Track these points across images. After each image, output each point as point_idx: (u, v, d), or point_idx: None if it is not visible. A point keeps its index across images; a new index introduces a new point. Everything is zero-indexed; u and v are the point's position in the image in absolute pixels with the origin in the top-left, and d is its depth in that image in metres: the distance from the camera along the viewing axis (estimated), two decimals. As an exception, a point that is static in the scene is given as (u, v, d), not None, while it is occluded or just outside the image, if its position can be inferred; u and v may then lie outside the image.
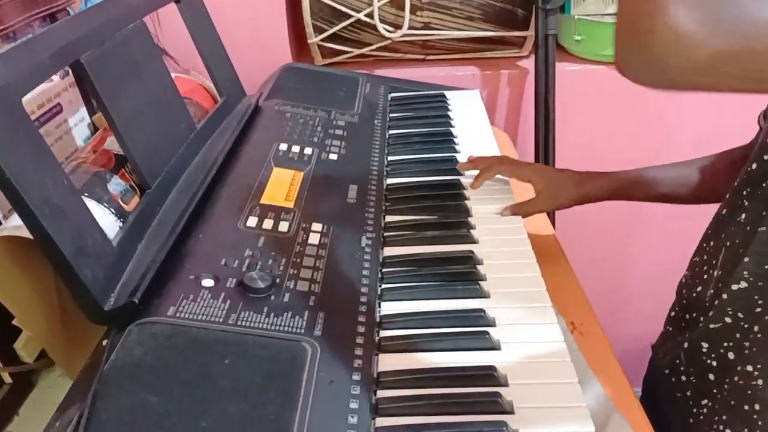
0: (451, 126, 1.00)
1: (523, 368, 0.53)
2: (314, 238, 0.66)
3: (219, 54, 0.95)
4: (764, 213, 0.56)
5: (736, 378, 0.60)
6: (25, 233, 0.53)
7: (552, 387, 0.51)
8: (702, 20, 0.33)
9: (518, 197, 0.80)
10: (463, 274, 0.65)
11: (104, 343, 0.53)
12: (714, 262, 0.63)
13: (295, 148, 0.84)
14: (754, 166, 0.57)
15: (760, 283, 0.57)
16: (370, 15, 1.17)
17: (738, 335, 0.60)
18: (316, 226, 0.68)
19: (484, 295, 0.62)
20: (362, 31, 1.19)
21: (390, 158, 0.91)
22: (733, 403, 0.61)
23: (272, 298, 0.57)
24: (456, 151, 0.92)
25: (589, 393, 0.60)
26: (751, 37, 0.34)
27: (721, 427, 0.63)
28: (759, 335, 0.58)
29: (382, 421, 0.49)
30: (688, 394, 0.67)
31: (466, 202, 0.79)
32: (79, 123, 0.89)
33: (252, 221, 0.67)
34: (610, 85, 1.22)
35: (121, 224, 0.63)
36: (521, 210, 0.76)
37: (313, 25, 1.18)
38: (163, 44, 1.21)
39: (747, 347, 0.59)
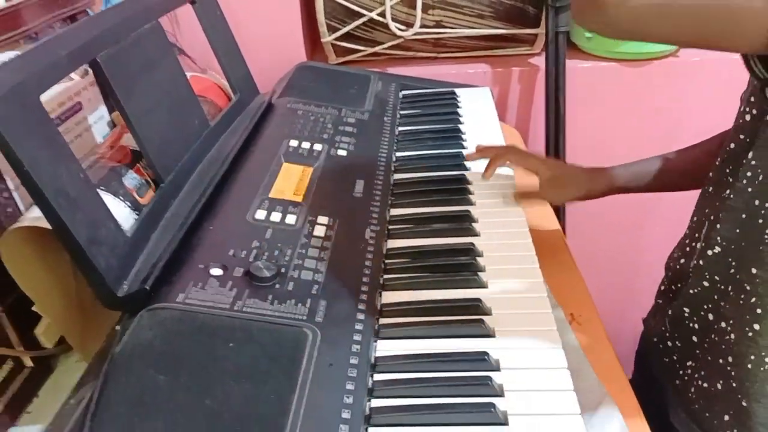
0: (460, 123, 1.02)
1: (515, 354, 0.55)
2: (320, 231, 0.69)
3: (233, 53, 0.98)
4: (730, 179, 0.60)
5: (713, 336, 0.64)
6: (44, 223, 0.56)
7: (542, 372, 0.53)
8: None
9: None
10: (462, 266, 0.67)
11: (117, 328, 0.56)
12: (697, 235, 0.66)
13: (305, 145, 0.87)
14: (732, 145, 0.60)
15: (732, 247, 0.60)
16: (382, 14, 1.19)
17: (716, 297, 0.63)
18: (322, 219, 0.71)
19: (482, 286, 0.64)
20: (375, 30, 1.22)
21: (398, 154, 0.93)
22: (710, 359, 0.65)
23: (277, 286, 0.59)
24: (463, 147, 0.94)
25: (582, 379, 0.62)
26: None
27: (701, 382, 0.66)
28: (732, 294, 0.61)
29: (376, 402, 0.51)
30: (675, 358, 0.71)
31: (470, 196, 0.81)
32: (98, 120, 0.92)
33: (260, 214, 0.70)
34: (620, 82, 1.23)
35: (135, 216, 0.66)
36: (524, 199, 0.78)
37: (327, 24, 1.21)
38: (180, 44, 1.25)
39: (722, 306, 0.62)
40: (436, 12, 1.20)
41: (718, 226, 0.61)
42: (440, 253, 0.69)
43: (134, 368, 0.49)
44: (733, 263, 0.61)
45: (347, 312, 0.58)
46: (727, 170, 0.61)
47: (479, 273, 0.65)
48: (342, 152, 0.87)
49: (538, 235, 0.80)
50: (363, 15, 1.19)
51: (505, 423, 0.49)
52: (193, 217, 0.66)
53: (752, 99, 0.58)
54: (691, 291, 0.66)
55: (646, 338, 0.79)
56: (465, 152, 0.91)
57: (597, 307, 0.74)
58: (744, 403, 0.62)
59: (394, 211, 0.78)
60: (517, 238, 0.72)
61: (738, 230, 0.59)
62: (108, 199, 0.65)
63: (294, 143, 0.87)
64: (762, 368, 0.60)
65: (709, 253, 0.63)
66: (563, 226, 1.29)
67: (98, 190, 0.64)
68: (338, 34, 1.22)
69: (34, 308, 0.65)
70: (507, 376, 0.53)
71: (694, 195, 0.73)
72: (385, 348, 0.57)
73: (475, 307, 0.60)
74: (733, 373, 0.62)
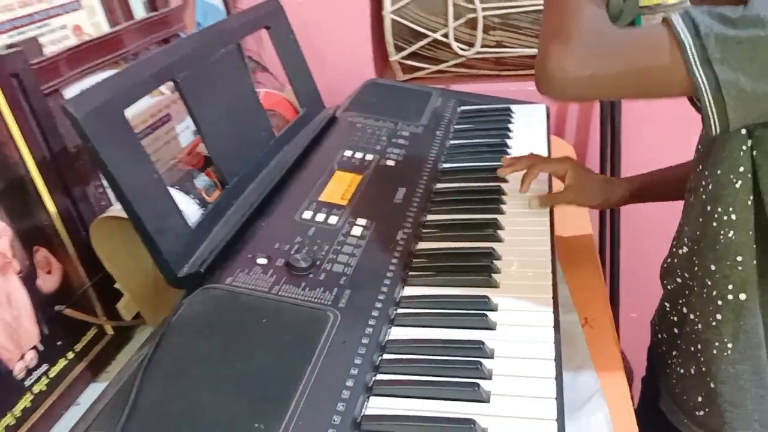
0: (509, 138, 1.09)
1: (510, 346, 0.62)
2: (356, 231, 0.78)
3: (303, 72, 1.10)
4: (693, 186, 0.68)
5: (686, 327, 0.71)
6: (125, 214, 0.68)
7: (531, 363, 0.60)
8: (578, 59, 0.56)
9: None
10: (480, 268, 0.74)
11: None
12: (678, 237, 0.74)
13: (359, 155, 0.96)
14: (695, 155, 0.70)
15: (695, 247, 0.68)
16: (445, 35, 1.27)
17: (686, 292, 0.71)
18: (361, 221, 0.80)
19: (494, 285, 0.71)
20: (438, 49, 1.30)
21: (444, 165, 1.01)
22: (684, 347, 0.72)
23: (310, 276, 0.69)
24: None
25: (581, 376, 0.68)
26: (609, 64, 0.56)
27: (679, 369, 0.74)
28: (695, 289, 0.69)
29: (380, 377, 0.59)
30: (663, 348, 0.79)
31: (502, 206, 0.87)
32: (185, 130, 1.06)
33: (307, 214, 0.80)
34: (677, 101, 1.24)
35: (202, 212, 0.78)
36: (548, 201, 0.86)
37: (394, 44, 1.31)
38: (264, 62, 1.38)
39: (691, 300, 0.70)
40: (497, 33, 1.27)
41: (685, 228, 0.70)
42: (460, 255, 0.76)
43: (183, 333, 0.60)
44: (696, 261, 0.68)
45: (367, 300, 0.67)
46: (692, 178, 0.69)
47: (494, 275, 0.72)
48: (390, 162, 0.96)
49: (570, 241, 0.86)
50: (427, 36, 1.28)
51: (486, 401, 0.56)
52: (249, 214, 0.77)
53: None
54: (669, 287, 0.75)
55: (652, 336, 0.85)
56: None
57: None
58: (712, 385, 0.69)
59: (430, 217, 0.86)
60: (538, 245, 0.78)
61: (698, 232, 0.67)
62: (180, 196, 0.77)
63: (348, 153, 0.97)
64: (725, 353, 0.67)
65: (680, 252, 0.71)
66: (617, 232, 1.32)
67: (173, 188, 0.77)
68: (404, 53, 1.31)
69: (116, 285, 0.78)
70: (498, 364, 0.60)
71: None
72: (397, 333, 0.65)
73: (483, 303, 0.67)
74: (702, 359, 0.69)
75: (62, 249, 0.74)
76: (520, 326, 0.65)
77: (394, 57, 1.32)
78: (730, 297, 0.65)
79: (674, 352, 0.75)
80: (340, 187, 0.88)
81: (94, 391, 0.74)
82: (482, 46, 1.27)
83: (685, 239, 0.69)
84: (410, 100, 1.21)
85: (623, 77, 0.57)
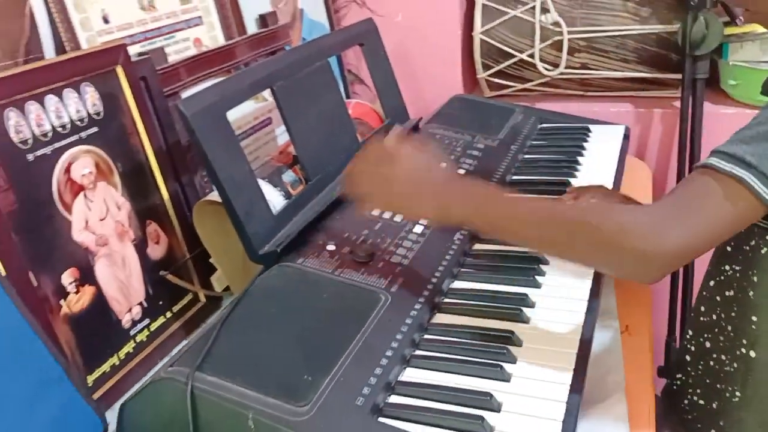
0: (581, 155, 1.14)
1: (539, 336, 0.69)
2: (418, 229, 0.87)
3: (390, 85, 1.20)
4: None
5: (707, 361, 0.77)
6: (220, 199, 0.81)
7: (553, 354, 0.66)
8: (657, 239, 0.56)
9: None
10: (527, 269, 0.81)
11: (257, 277, 0.79)
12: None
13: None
14: None
15: (725, 294, 0.72)
16: (531, 55, 1.34)
17: (716, 330, 0.75)
18: (423, 221, 0.89)
19: (535, 285, 0.78)
20: (524, 69, 1.37)
21: (512, 178, 1.08)
22: (701, 378, 0.78)
23: (370, 263, 0.79)
24: (574, 177, 1.06)
25: (610, 375, 0.73)
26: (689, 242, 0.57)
27: (694, 398, 0.79)
28: (722, 332, 0.73)
29: (418, 352, 0.68)
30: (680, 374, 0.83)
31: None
32: (282, 133, 1.19)
33: (376, 212, 0.90)
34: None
35: (285, 202, 0.90)
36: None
37: (482, 63, 1.39)
38: (361, 76, 1.51)
39: (717, 339, 0.75)
40: (582, 55, 1.32)
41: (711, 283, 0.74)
42: (511, 257, 0.83)
43: (257, 299, 0.72)
44: (725, 308, 0.73)
45: (417, 288, 0.76)
46: None
47: (537, 276, 0.79)
48: (461, 171, 1.05)
49: None
50: (514, 56, 1.35)
51: (507, 381, 0.63)
52: (325, 208, 0.88)
53: None
54: (701, 318, 0.78)
55: None
56: (573, 181, 1.04)
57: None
58: (721, 423, 0.74)
59: (490, 222, 0.94)
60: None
61: (724, 280, 0.73)
62: (268, 187, 0.89)
63: (424, 161, 1.06)
64: (734, 399, 0.72)
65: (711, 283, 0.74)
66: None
67: (263, 180, 0.89)
68: (492, 71, 1.39)
69: (211, 260, 0.91)
70: (525, 353, 0.67)
71: None
72: (441, 318, 0.74)
73: (522, 299, 0.74)
74: (715, 396, 0.74)
75: (169, 225, 0.88)
76: (551, 322, 0.71)
77: (482, 74, 1.40)
78: (743, 350, 0.70)
79: (690, 380, 0.79)
80: (411, 190, 0.97)
81: (185, 348, 0.87)
82: (567, 67, 1.33)
83: (703, 292, 0.74)
84: (492, 115, 1.29)
85: (708, 235, 0.57)
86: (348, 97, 1.47)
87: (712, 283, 0.76)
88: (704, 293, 0.78)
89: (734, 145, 0.57)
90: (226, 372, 0.61)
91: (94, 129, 0.78)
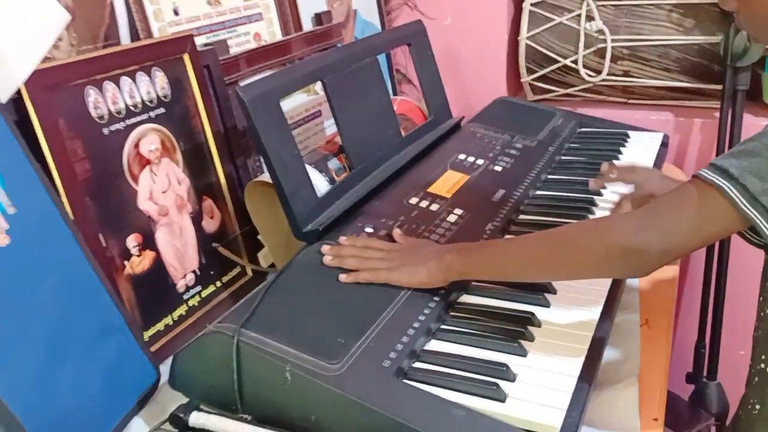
0: (617, 159, 1.17)
1: (558, 319, 0.74)
2: (452, 218, 0.92)
3: (436, 84, 1.26)
4: None
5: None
6: (269, 180, 0.88)
7: (569, 336, 0.71)
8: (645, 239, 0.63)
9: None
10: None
11: (300, 253, 0.86)
12: None
13: (471, 158, 1.11)
14: None
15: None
16: (575, 61, 1.38)
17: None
18: (458, 211, 0.94)
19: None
20: (568, 74, 1.41)
21: (548, 177, 1.12)
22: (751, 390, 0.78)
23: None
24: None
25: (625, 364, 0.77)
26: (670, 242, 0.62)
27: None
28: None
29: (444, 327, 0.74)
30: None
31: (590, 215, 0.98)
32: (331, 125, 1.26)
33: (414, 200, 0.96)
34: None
35: (329, 187, 0.96)
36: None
37: (526, 67, 1.43)
38: (410, 75, 1.57)
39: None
40: (625, 63, 1.36)
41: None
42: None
43: (299, 270, 0.79)
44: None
45: (447, 270, 0.81)
46: None
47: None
48: (498, 168, 1.10)
49: None
50: (558, 61, 1.39)
51: (524, 355, 0.68)
52: (366, 194, 0.94)
53: None
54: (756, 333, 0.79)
55: None
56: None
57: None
58: None
59: (521, 217, 0.98)
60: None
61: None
62: (314, 173, 0.96)
63: (462, 156, 1.11)
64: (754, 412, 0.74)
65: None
66: (725, 263, 1.33)
67: (310, 166, 0.96)
68: (535, 75, 1.44)
69: (259, 237, 0.99)
70: (542, 333, 0.72)
71: None
72: (467, 299, 0.79)
73: (544, 286, 0.79)
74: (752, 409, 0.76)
75: (223, 202, 0.96)
76: (571, 308, 0.76)
77: (526, 78, 1.45)
78: (761, 366, 0.73)
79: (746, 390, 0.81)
80: (448, 183, 1.03)
81: (231, 317, 0.94)
82: (609, 74, 1.36)
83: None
84: (533, 118, 1.33)
85: (687, 243, 0.63)
86: (395, 94, 1.54)
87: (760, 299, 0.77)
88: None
89: (724, 158, 0.61)
90: (268, 330, 0.68)
91: (162, 110, 0.86)
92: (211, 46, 0.97)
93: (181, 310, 0.87)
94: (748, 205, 0.58)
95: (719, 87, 1.30)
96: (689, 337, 1.43)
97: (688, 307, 1.47)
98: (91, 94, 0.77)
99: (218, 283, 0.93)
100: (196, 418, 0.64)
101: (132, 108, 0.82)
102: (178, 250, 0.87)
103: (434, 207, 0.95)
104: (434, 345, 0.71)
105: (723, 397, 1.36)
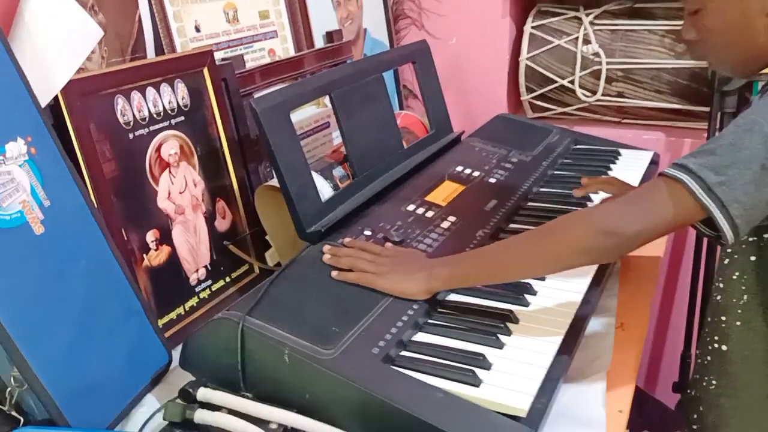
0: (606, 174, 1.24)
1: (535, 317, 0.81)
2: (445, 224, 1.00)
3: (438, 100, 1.33)
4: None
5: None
6: (278, 184, 0.96)
7: (544, 332, 0.78)
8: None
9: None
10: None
11: (303, 252, 0.93)
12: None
13: (468, 170, 1.18)
14: None
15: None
16: (572, 82, 1.45)
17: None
18: (451, 218, 1.02)
19: (541, 278, 0.89)
20: (564, 94, 1.48)
21: (541, 189, 1.19)
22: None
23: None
24: (594, 192, 1.17)
25: (597, 362, 0.84)
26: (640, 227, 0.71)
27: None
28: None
29: (431, 321, 0.81)
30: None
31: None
32: (338, 136, 1.34)
33: (411, 207, 1.03)
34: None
35: (333, 192, 1.04)
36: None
37: (526, 86, 1.51)
38: (416, 91, 1.65)
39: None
40: (619, 84, 1.43)
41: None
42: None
43: (302, 266, 0.86)
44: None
45: (437, 271, 0.89)
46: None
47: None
48: (492, 180, 1.17)
49: (638, 260, 1.02)
50: (556, 81, 1.47)
51: (500, 348, 0.75)
52: (366, 200, 1.02)
53: None
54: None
55: None
56: (593, 196, 1.14)
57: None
58: (701, 408, 0.86)
59: (511, 225, 1.06)
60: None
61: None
62: (320, 179, 1.04)
63: (460, 168, 1.19)
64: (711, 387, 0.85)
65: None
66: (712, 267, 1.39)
67: (316, 173, 1.04)
68: (534, 94, 1.51)
69: (266, 238, 1.06)
70: (518, 328, 0.79)
71: None
72: (454, 297, 0.86)
73: (525, 287, 0.86)
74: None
75: (234, 204, 1.04)
76: (548, 308, 0.83)
77: (525, 97, 1.53)
78: (716, 345, 0.81)
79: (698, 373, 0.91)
80: (445, 192, 1.10)
81: (239, 310, 1.02)
82: (603, 95, 1.44)
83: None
84: (530, 134, 1.40)
85: (652, 229, 0.71)
86: (401, 108, 1.62)
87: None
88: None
89: (685, 157, 0.70)
90: (271, 318, 0.75)
91: (182, 118, 0.95)
92: (228, 61, 1.06)
93: (193, 302, 0.95)
94: (704, 194, 0.67)
95: (708, 109, 1.37)
96: (677, 348, 1.49)
97: (676, 319, 1.53)
98: (119, 102, 0.86)
99: (227, 279, 1.01)
100: (203, 393, 0.71)
101: (155, 115, 0.90)
102: (192, 246, 0.95)
103: (429, 214, 1.02)
104: (421, 337, 0.79)
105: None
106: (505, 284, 0.87)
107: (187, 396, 0.72)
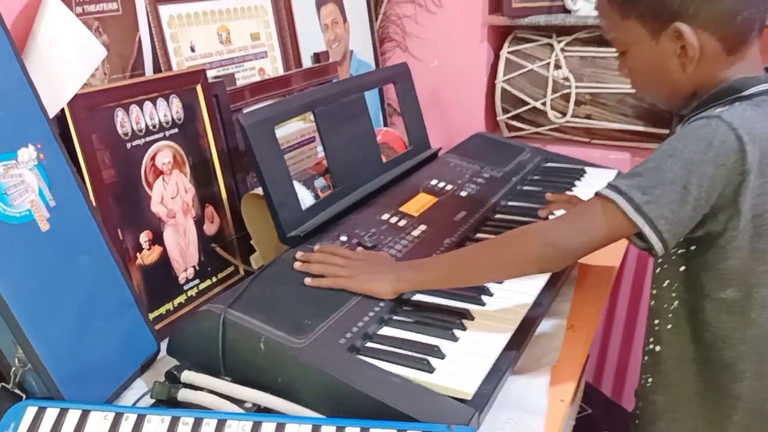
0: (570, 191, 1.34)
1: (490, 314, 0.89)
2: (416, 233, 1.09)
3: (417, 118, 1.43)
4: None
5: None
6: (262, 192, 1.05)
7: (496, 328, 0.87)
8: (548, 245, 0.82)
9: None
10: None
11: (283, 254, 1.02)
12: None
13: (441, 184, 1.28)
14: None
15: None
16: (544, 104, 1.55)
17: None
18: (422, 227, 1.11)
19: (499, 282, 0.98)
20: (537, 115, 1.58)
21: (509, 203, 1.28)
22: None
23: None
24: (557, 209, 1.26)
25: (545, 357, 0.93)
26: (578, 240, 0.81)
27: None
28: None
29: (395, 317, 0.89)
30: None
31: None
32: (322, 151, 1.44)
33: (385, 216, 1.12)
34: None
35: (314, 201, 1.13)
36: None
37: (502, 107, 1.61)
38: (399, 109, 1.74)
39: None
40: (587, 107, 1.53)
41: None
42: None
43: (281, 267, 0.95)
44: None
45: (404, 274, 0.97)
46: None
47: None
48: (464, 193, 1.26)
49: (594, 269, 1.12)
50: (529, 103, 1.57)
51: (455, 341, 0.84)
52: (344, 209, 1.11)
53: None
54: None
55: None
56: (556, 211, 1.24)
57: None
58: (640, 403, 0.96)
59: (478, 235, 1.15)
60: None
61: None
62: (302, 189, 1.13)
63: (434, 181, 1.28)
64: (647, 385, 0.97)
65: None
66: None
67: (299, 183, 1.13)
68: (509, 115, 1.61)
69: (251, 242, 1.15)
70: (473, 324, 0.88)
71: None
72: (418, 297, 0.95)
73: (482, 289, 0.95)
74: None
75: (222, 210, 1.13)
76: (502, 308, 0.92)
77: (501, 117, 1.62)
78: (651, 347, 0.90)
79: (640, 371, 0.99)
80: (418, 204, 1.20)
81: (224, 309, 1.11)
82: (573, 116, 1.53)
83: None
84: (503, 152, 1.50)
85: (590, 242, 0.80)
86: (386, 125, 1.71)
87: None
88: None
89: (617, 179, 0.79)
90: (250, 310, 0.84)
91: (176, 130, 1.04)
92: (220, 79, 1.15)
93: (181, 299, 1.04)
94: (634, 212, 0.76)
95: (668, 131, 1.46)
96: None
97: (640, 334, 1.62)
98: (119, 115, 0.95)
99: (214, 279, 1.10)
100: (186, 376, 0.80)
101: (151, 128, 1.00)
102: (182, 247, 1.04)
103: (402, 223, 1.11)
104: (385, 331, 0.87)
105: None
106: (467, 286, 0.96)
107: (172, 378, 0.80)
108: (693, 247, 0.85)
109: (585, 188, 1.36)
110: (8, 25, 0.80)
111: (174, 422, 0.70)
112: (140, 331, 0.91)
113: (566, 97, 1.53)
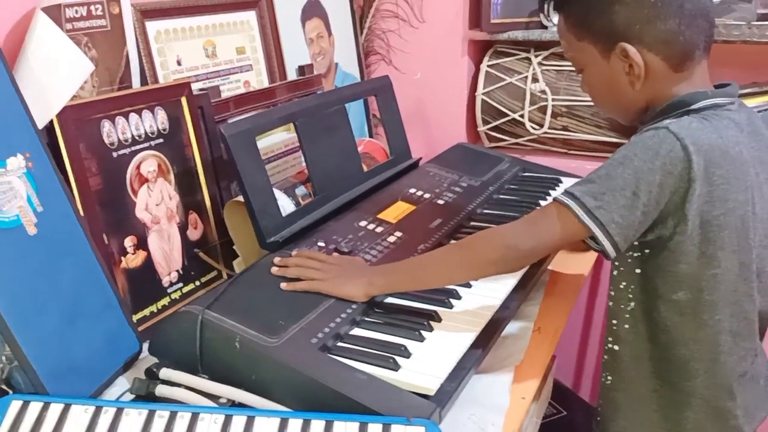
0: (544, 200, 1.39)
1: (457, 317, 0.94)
2: (392, 239, 1.13)
3: (398, 129, 1.48)
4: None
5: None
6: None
7: (462, 329, 0.91)
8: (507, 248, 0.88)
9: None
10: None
11: (263, 259, 1.07)
12: None
13: (420, 192, 1.32)
14: None
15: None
16: (522, 116, 1.60)
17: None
18: (397, 233, 1.15)
19: (467, 285, 1.03)
20: (516, 126, 1.63)
21: (485, 211, 1.33)
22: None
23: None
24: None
25: (510, 358, 0.97)
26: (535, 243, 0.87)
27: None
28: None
29: (367, 319, 0.94)
30: None
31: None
32: (307, 159, 1.48)
33: (363, 223, 1.17)
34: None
35: (295, 209, 1.18)
36: None
37: (482, 118, 1.66)
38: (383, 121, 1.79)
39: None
40: (564, 119, 1.58)
41: None
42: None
43: (260, 270, 0.99)
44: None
45: (377, 278, 1.02)
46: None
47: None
48: (441, 201, 1.31)
49: (564, 277, 1.16)
50: (508, 115, 1.62)
51: (421, 341, 0.88)
52: (323, 216, 1.16)
53: None
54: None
55: None
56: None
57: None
58: (601, 401, 1.00)
59: (452, 241, 1.19)
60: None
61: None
62: (283, 196, 1.18)
63: (413, 190, 1.33)
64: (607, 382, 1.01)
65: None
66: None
67: (280, 191, 1.18)
68: (489, 126, 1.66)
69: (234, 247, 1.20)
70: (439, 326, 0.92)
71: None
72: (389, 299, 0.99)
73: (450, 292, 1.00)
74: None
75: (206, 216, 1.17)
76: (467, 311, 0.96)
77: (481, 128, 1.67)
78: (609, 346, 0.95)
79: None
80: (396, 211, 1.24)
81: (207, 312, 1.15)
82: (550, 128, 1.59)
83: None
84: (482, 162, 1.55)
85: (546, 245, 0.88)
86: (371, 135, 1.76)
87: None
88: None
89: (572, 186, 0.84)
90: (227, 311, 0.88)
91: (161, 140, 1.09)
92: (205, 91, 1.20)
93: (164, 301, 1.08)
94: (586, 216, 0.82)
95: (642, 143, 1.51)
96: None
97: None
98: (106, 126, 1.00)
99: (197, 282, 1.14)
100: (165, 372, 0.84)
101: (137, 137, 1.04)
102: (166, 252, 1.08)
103: (379, 229, 1.16)
104: (356, 331, 0.92)
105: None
106: (434, 289, 1.00)
107: (151, 374, 0.85)
108: (647, 251, 0.89)
109: (559, 197, 1.41)
110: (0, 42, 0.85)
111: (150, 415, 0.75)
112: (123, 331, 0.95)
113: (543, 110, 1.58)
